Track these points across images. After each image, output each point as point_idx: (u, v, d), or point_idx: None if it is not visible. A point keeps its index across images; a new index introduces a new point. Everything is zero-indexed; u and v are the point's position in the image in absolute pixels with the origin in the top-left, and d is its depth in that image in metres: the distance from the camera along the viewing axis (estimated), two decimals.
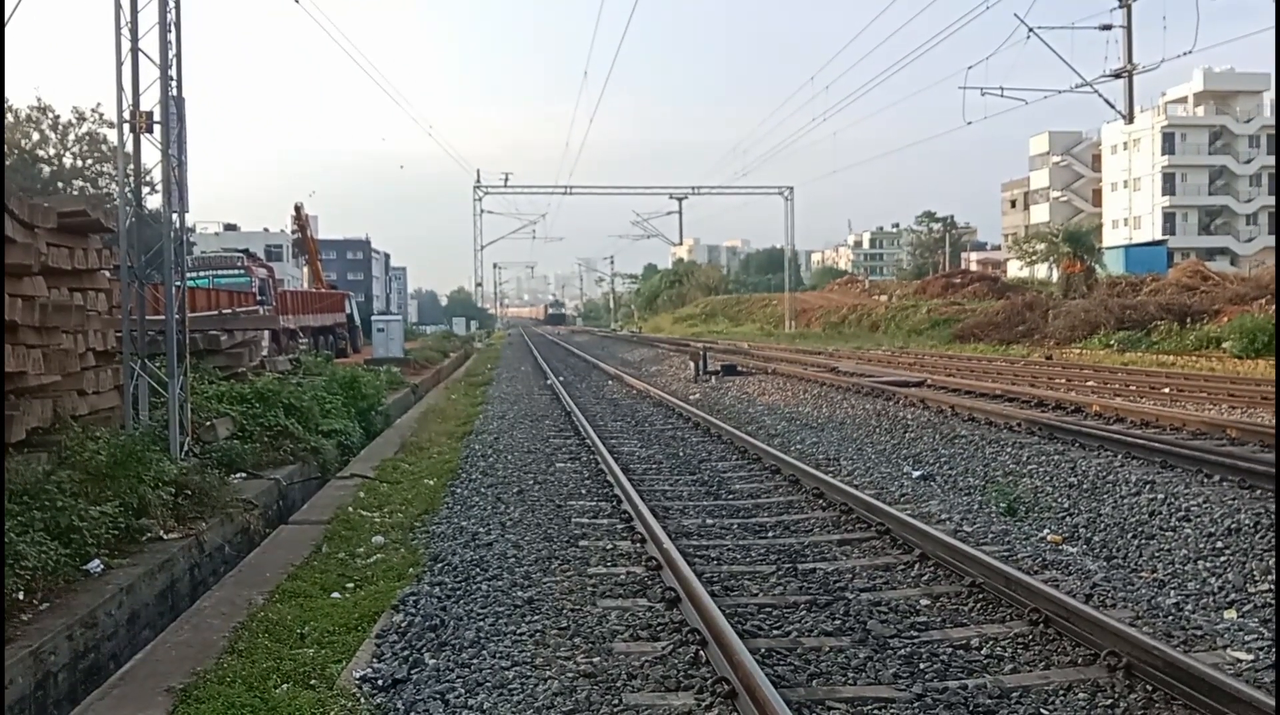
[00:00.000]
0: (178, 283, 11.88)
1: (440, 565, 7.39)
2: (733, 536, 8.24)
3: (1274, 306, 26.37)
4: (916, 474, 10.87)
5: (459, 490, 10.43)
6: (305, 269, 52.59)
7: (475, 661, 5.36)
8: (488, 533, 8.38)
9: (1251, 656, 5.22)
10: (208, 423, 12.22)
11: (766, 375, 23.53)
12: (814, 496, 9.59)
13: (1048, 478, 9.94)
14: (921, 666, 5.20)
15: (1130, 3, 25.93)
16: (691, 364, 26.38)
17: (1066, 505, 8.94)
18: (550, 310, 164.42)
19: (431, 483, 11.00)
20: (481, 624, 5.98)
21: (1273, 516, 7.62)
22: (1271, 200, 70.34)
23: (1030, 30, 26.16)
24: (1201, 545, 7.36)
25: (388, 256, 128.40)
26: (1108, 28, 26.55)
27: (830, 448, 12.87)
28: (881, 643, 5.53)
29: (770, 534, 8.31)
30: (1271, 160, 68.95)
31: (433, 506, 9.66)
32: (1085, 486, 9.39)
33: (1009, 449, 11.43)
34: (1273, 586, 6.44)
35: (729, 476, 11.02)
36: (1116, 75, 26.62)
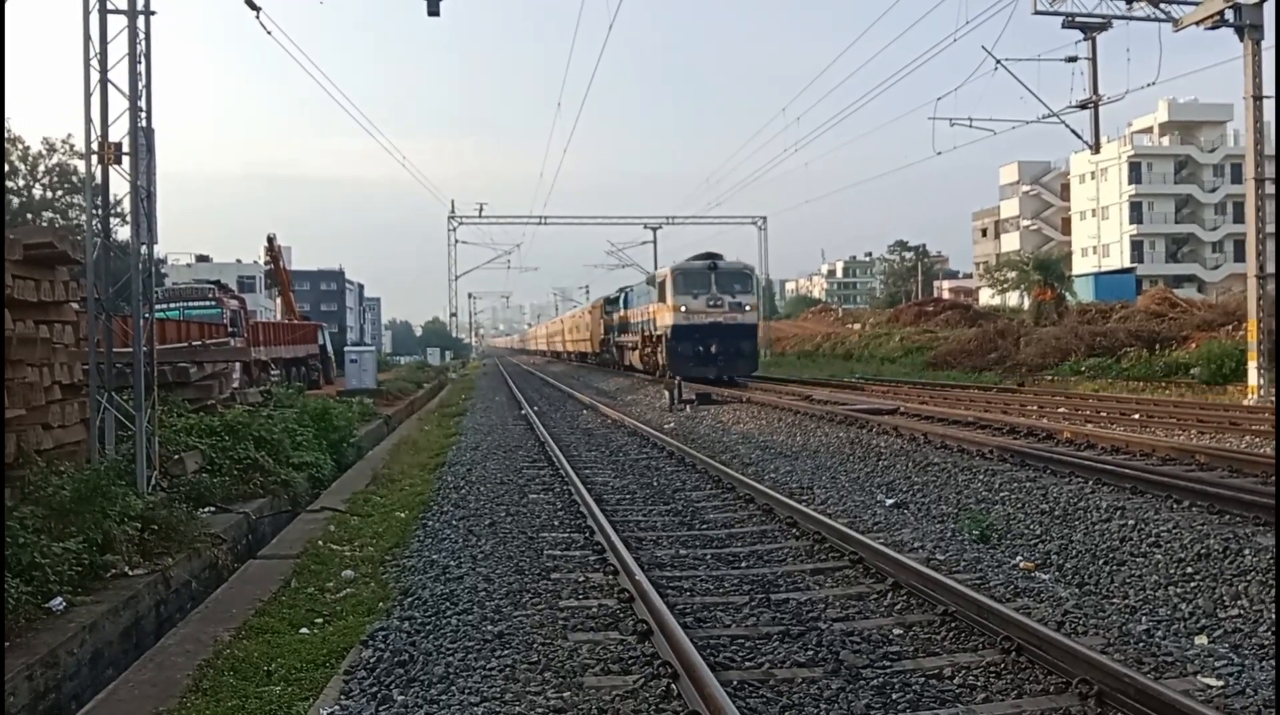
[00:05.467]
0: (146, 315, 11.78)
1: (410, 600, 7.30)
2: (706, 567, 8.20)
3: (1242, 332, 26.69)
4: (889, 502, 10.88)
5: (430, 523, 10.34)
6: (278, 300, 52.32)
7: (444, 698, 5.28)
8: (459, 566, 8.30)
9: (1221, 683, 5.23)
10: (176, 456, 12.07)
11: (741, 404, 23.55)
12: (787, 526, 9.57)
13: (1020, 505, 9.97)
14: (894, 697, 5.17)
15: (1094, 35, 26.29)
16: (666, 393, 26.37)
17: (1039, 532, 8.97)
18: (715, 300, 30.70)
19: (403, 515, 10.90)
20: (451, 659, 5.90)
21: (1241, 541, 7.68)
22: (1236, 228, 71.47)
23: (998, 62, 26.47)
24: (1172, 571, 7.39)
25: (361, 287, 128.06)
26: (1073, 60, 26.91)
27: (804, 476, 12.86)
28: (854, 673, 5.50)
29: (744, 564, 8.27)
30: (1235, 189, 70.04)
31: (404, 540, 9.56)
32: (1057, 513, 9.43)
33: (981, 476, 11.47)
34: (1242, 612, 6.47)
35: (703, 506, 10.99)
36: (1082, 106, 26.96)
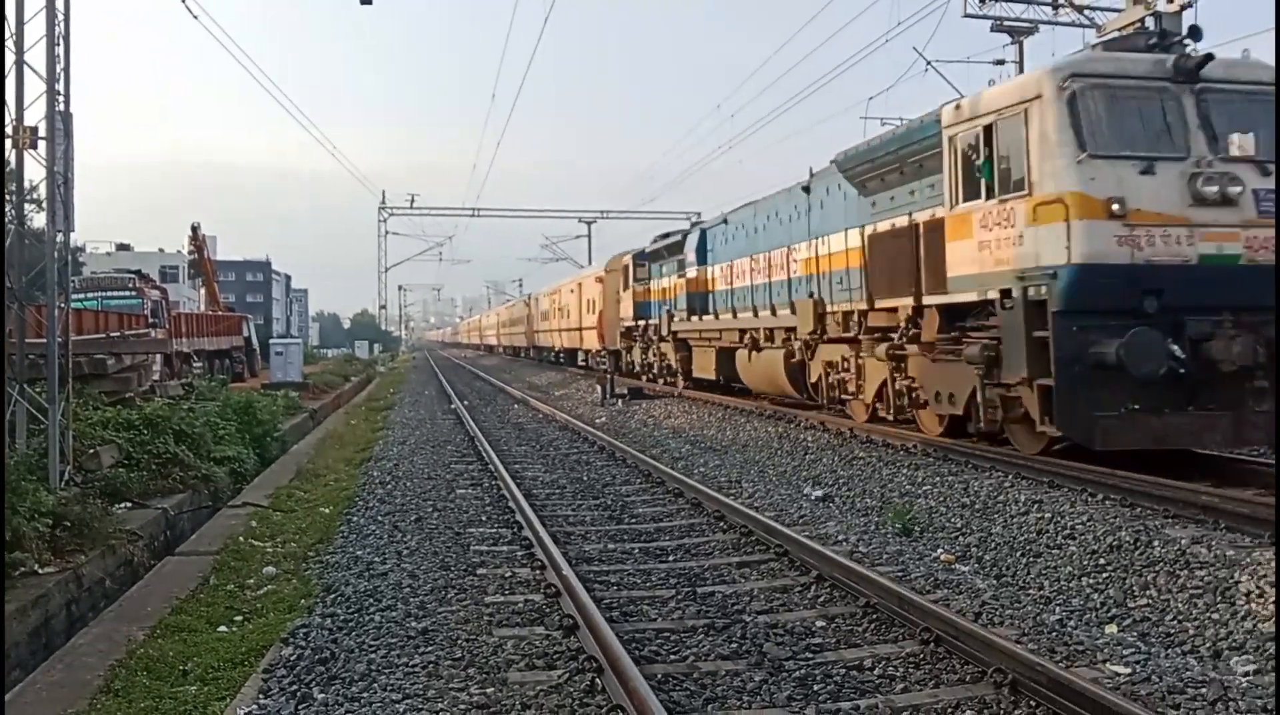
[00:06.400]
0: (61, 304, 11.43)
1: (333, 596, 7.20)
2: (634, 561, 8.22)
3: None
4: (816, 495, 11.01)
5: (355, 518, 10.20)
6: (202, 291, 51.18)
7: (365, 695, 5.22)
8: (383, 562, 8.20)
9: (1129, 670, 5.39)
10: (91, 451, 11.74)
11: (673, 398, 23.64)
12: (715, 519, 9.63)
13: (942, 498, 10.16)
14: (815, 688, 5.24)
15: (1022, 39, 26.90)
16: (599, 387, 26.37)
17: (959, 525, 9.14)
18: None
19: (327, 511, 10.74)
20: (373, 656, 5.83)
21: (1152, 533, 7.93)
22: None
23: (928, 63, 26.90)
24: (1085, 562, 7.60)
25: (289, 278, 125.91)
26: (1001, 63, 27.48)
27: (733, 470, 12.97)
28: (777, 665, 5.55)
29: (671, 558, 8.31)
30: None
31: (328, 536, 9.42)
32: (977, 506, 9.63)
33: (905, 470, 11.67)
34: (1150, 601, 6.69)
35: (632, 500, 11.01)
36: None
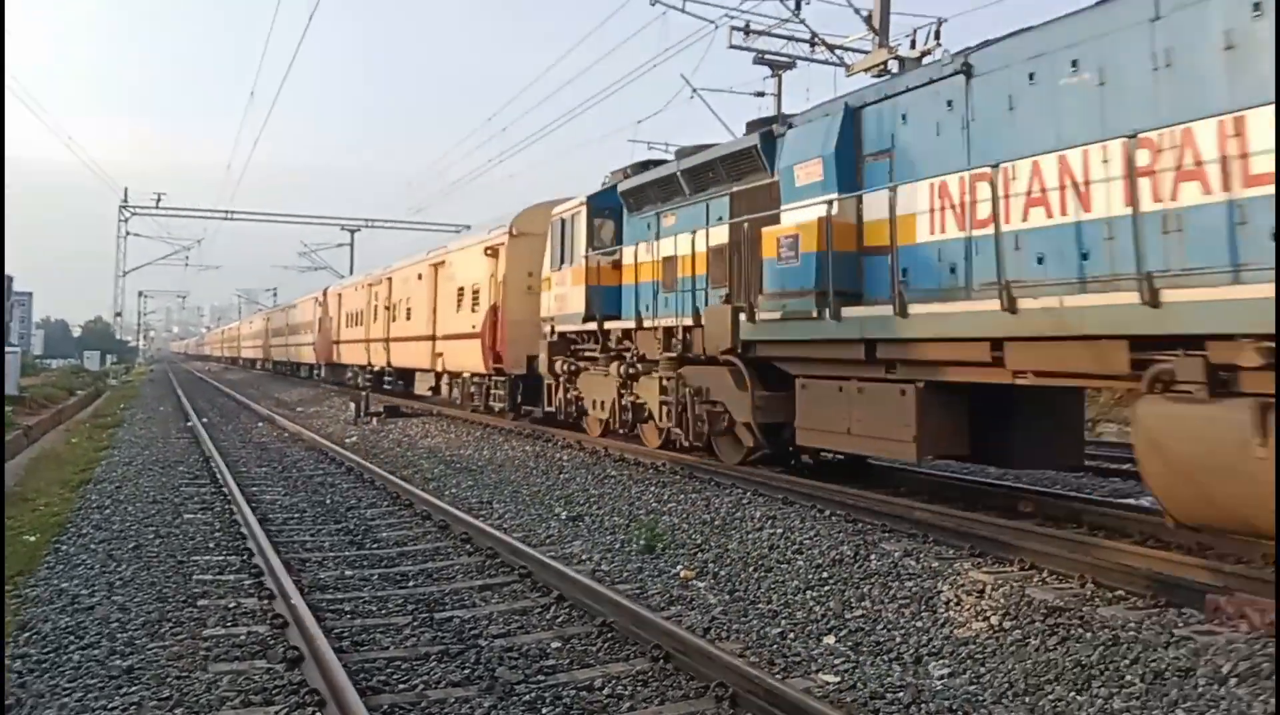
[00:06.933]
0: None
1: (27, 635, 6.52)
2: (371, 588, 7.95)
3: None
4: (566, 515, 11.08)
5: (65, 547, 9.33)
6: None
7: None
8: (91, 595, 7.53)
9: (838, 678, 5.72)
10: None
11: (431, 417, 23.22)
12: (462, 542, 9.49)
13: (685, 515, 10.48)
14: (544, 711, 5.23)
15: (780, 74, 28.42)
16: (352, 405, 25.51)
17: (699, 541, 9.43)
18: None
19: (32, 539, 9.75)
20: (67, 700, 5.32)
21: (870, 547, 8.49)
22: None
23: (694, 91, 27.93)
24: (810, 576, 8.02)
25: (10, 280, 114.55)
26: (761, 94, 28.95)
27: (485, 491, 12.84)
28: (508, 689, 5.51)
29: (411, 583, 8.10)
30: None
31: (30, 567, 8.54)
32: (717, 523, 9.99)
33: (654, 488, 11.97)
34: (865, 612, 7.14)
35: (376, 524, 10.68)
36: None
